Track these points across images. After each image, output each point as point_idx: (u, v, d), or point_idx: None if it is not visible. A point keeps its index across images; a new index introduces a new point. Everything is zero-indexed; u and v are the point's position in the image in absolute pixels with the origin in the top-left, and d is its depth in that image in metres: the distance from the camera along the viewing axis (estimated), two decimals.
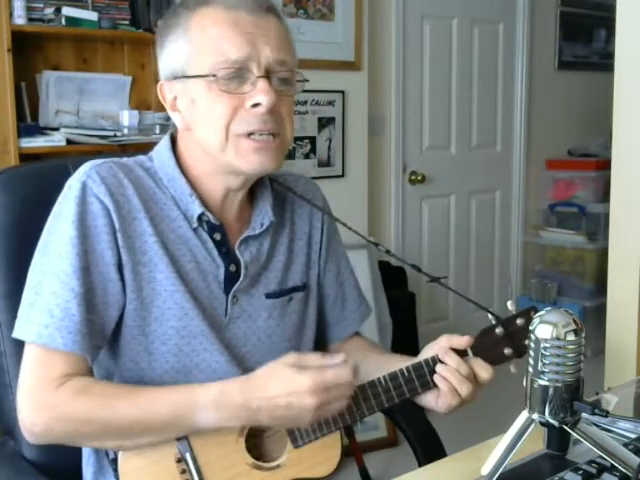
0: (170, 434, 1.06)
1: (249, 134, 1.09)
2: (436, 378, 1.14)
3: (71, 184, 1.10)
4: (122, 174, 1.12)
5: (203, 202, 1.14)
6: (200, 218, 1.14)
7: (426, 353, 1.17)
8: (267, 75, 1.08)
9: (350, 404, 1.09)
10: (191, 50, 1.10)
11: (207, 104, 1.09)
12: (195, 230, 1.14)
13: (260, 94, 1.07)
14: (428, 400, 1.16)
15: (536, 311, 1.17)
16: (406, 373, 1.14)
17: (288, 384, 1.03)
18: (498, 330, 1.17)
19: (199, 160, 1.15)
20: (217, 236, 1.15)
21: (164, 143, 1.19)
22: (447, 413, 1.15)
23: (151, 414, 1.04)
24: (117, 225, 1.08)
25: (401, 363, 1.16)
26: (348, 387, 1.06)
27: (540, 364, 0.90)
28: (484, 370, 1.14)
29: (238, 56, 1.07)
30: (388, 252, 1.28)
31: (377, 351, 1.33)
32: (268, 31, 1.10)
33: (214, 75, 1.07)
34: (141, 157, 1.19)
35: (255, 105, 1.08)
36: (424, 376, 1.14)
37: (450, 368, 1.13)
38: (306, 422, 1.06)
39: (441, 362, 1.14)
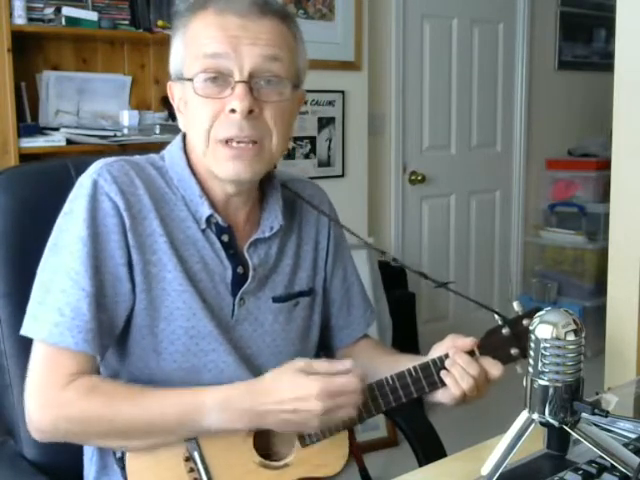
0: (176, 436, 1.06)
1: (227, 141, 1.07)
2: (442, 373, 1.14)
3: (82, 182, 1.09)
4: (133, 173, 1.11)
5: (212, 204, 1.14)
6: (209, 220, 1.13)
7: (434, 353, 1.17)
8: (249, 80, 1.06)
9: (359, 407, 1.09)
10: (185, 53, 1.10)
11: (193, 107, 1.09)
12: (204, 231, 1.13)
13: (235, 99, 1.05)
14: (434, 395, 1.16)
15: None
16: (414, 373, 1.14)
17: (295, 389, 1.02)
18: (505, 330, 1.17)
19: (198, 162, 1.14)
20: (225, 238, 1.15)
21: (177, 142, 1.18)
22: (453, 405, 1.15)
23: (158, 416, 1.03)
24: (128, 224, 1.07)
25: (410, 363, 1.16)
26: (357, 395, 1.05)
27: (540, 364, 0.89)
28: (494, 367, 1.14)
29: (213, 51, 1.06)
30: (395, 260, 1.28)
31: (386, 352, 1.33)
32: (259, 34, 1.07)
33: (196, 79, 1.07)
34: (153, 155, 1.18)
35: (232, 111, 1.06)
36: (432, 376, 1.14)
37: (455, 364, 1.13)
38: (313, 427, 1.06)
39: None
